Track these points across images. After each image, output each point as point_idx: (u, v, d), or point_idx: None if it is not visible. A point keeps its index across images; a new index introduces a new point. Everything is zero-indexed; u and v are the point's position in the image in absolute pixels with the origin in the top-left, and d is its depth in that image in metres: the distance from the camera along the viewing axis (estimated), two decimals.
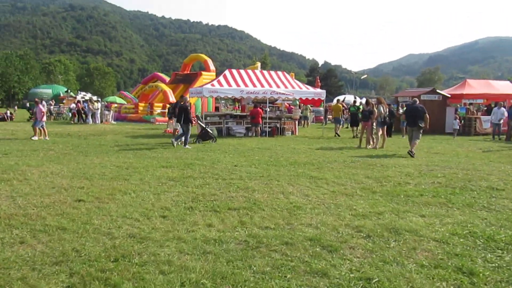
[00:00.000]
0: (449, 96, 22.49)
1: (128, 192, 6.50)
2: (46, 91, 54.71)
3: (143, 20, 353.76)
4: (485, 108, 25.55)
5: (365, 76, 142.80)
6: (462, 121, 20.63)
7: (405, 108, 19.93)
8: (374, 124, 13.65)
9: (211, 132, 15.44)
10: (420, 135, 12.00)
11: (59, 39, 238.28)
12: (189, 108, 13.63)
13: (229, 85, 18.15)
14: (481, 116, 21.48)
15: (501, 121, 18.08)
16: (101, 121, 28.41)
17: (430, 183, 7.68)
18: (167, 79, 37.30)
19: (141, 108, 33.45)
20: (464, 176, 8.39)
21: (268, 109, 29.06)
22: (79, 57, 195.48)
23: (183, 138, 13.68)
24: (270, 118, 19.46)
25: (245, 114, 20.20)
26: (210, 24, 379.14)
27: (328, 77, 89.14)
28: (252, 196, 6.42)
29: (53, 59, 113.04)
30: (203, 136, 15.11)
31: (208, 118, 18.69)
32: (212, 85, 18.01)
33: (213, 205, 5.80)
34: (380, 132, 13.62)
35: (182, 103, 13.94)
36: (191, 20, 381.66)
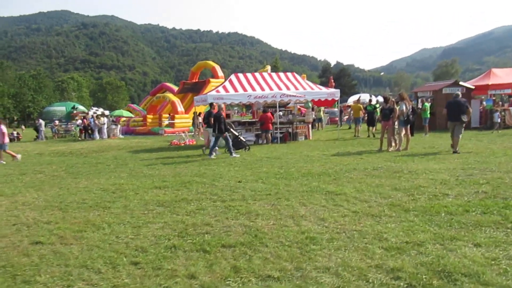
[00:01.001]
0: (473, 88, 20.85)
1: (102, 227, 5.30)
2: (60, 108, 54.32)
3: (154, 33, 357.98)
4: None
5: (382, 74, 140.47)
6: (503, 112, 18.61)
7: (428, 103, 18.65)
8: (396, 123, 12.23)
9: (244, 140, 14.51)
10: (463, 130, 11.47)
11: (73, 57, 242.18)
12: (222, 116, 12.90)
13: (236, 90, 16.94)
14: (510, 108, 19.76)
15: None
16: (108, 136, 27.57)
17: (473, 193, 6.27)
18: (176, 89, 36.37)
19: (149, 120, 32.60)
20: None
21: (281, 113, 27.78)
22: (93, 73, 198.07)
23: (215, 149, 13.11)
24: (281, 123, 18.16)
25: (254, 120, 18.96)
26: (220, 32, 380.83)
27: (341, 77, 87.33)
28: (254, 224, 5.15)
29: (66, 76, 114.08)
30: (236, 144, 14.07)
31: None
32: (217, 91, 16.83)
33: (203, 241, 4.55)
34: (403, 132, 12.18)
35: (216, 111, 13.18)
36: (201, 30, 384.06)
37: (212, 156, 12.63)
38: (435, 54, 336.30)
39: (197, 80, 35.34)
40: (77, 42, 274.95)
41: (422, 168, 8.66)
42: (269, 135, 16.97)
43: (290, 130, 18.20)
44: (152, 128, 31.11)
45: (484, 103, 20.12)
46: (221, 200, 6.57)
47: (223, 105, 14.34)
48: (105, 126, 27.48)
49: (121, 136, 28.84)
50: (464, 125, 11.45)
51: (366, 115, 19.83)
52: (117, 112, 34.55)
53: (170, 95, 32.53)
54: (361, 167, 9.20)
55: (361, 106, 21.63)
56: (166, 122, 29.83)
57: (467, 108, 11.39)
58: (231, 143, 13.05)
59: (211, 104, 14.29)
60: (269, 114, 16.63)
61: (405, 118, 11.95)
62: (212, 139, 13.39)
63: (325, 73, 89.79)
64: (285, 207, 5.96)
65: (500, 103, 22.92)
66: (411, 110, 12.24)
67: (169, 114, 31.17)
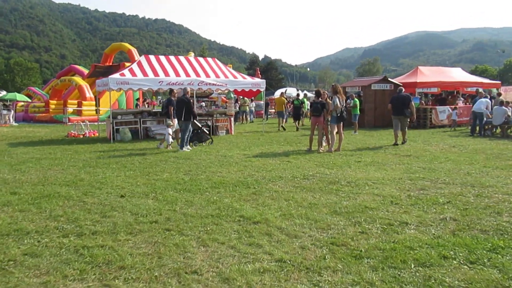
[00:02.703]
0: (401, 85, 20.14)
1: None
2: None
3: (74, 14, 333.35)
4: (433, 98, 23.76)
5: (308, 69, 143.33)
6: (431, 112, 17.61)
7: (357, 99, 17.53)
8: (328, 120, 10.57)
9: (207, 132, 12.78)
10: (408, 123, 12.16)
11: None
12: (191, 101, 11.45)
13: (145, 74, 14.29)
14: (437, 107, 19.35)
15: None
16: None
17: (439, 220, 4.58)
18: (86, 72, 32.34)
19: (53, 106, 28.47)
20: (480, 200, 5.41)
21: (203, 104, 25.31)
22: (2, 53, 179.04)
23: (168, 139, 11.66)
24: (198, 115, 15.87)
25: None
26: (147, 17, 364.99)
27: (268, 70, 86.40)
28: None
29: None
30: (200, 136, 12.32)
31: (118, 117, 14.74)
32: (122, 74, 14.04)
33: None
34: (336, 131, 10.54)
35: (182, 95, 11.44)
36: (127, 14, 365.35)
37: (185, 149, 11.01)
38: (357, 54, 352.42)
39: (111, 64, 31.63)
40: None
41: (363, 178, 6.95)
42: None
43: (209, 123, 15.98)
44: (54, 115, 27.12)
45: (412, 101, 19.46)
46: (77, 234, 4.21)
47: (189, 89, 12.36)
48: None
49: (14, 123, 24.66)
50: (408, 119, 12.02)
51: (292, 109, 19.42)
52: (9, 95, 29.58)
53: (77, 79, 28.62)
54: (289, 175, 7.28)
55: (285, 99, 20.45)
56: (70, 109, 26.03)
57: (410, 102, 12.03)
58: (186, 134, 11.25)
59: (171, 91, 12.81)
60: None
61: (339, 115, 10.31)
62: (169, 130, 11.73)
63: (253, 66, 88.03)
64: (173, 249, 3.78)
65: (423, 102, 22.71)
66: (345, 106, 10.65)
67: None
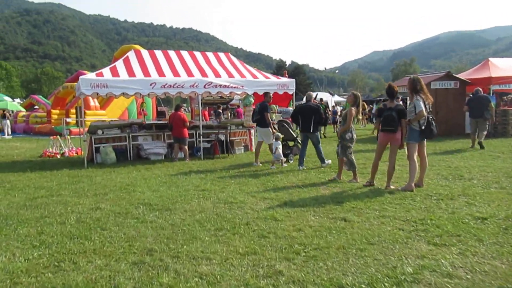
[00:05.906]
0: (469, 82, 15.66)
1: None
2: None
3: (104, 24, 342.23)
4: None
5: (337, 71, 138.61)
6: None
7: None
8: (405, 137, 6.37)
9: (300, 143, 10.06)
10: (487, 125, 11.48)
11: (14, 44, 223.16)
12: (321, 108, 9.51)
13: (132, 74, 10.51)
14: None
15: None
16: None
17: None
18: None
19: (55, 116, 25.34)
20: None
21: (222, 112, 21.73)
22: (35, 63, 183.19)
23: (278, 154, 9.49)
24: (207, 127, 12.00)
25: (164, 122, 12.57)
26: (174, 27, 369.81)
27: (296, 75, 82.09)
28: None
29: None
30: (295, 149, 10.32)
31: (99, 131, 11.02)
32: (99, 74, 10.33)
33: None
34: (415, 153, 6.33)
35: (306, 101, 9.47)
36: (155, 23, 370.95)
37: (302, 167, 8.83)
38: (385, 57, 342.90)
39: None
40: (19, 29, 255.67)
41: None
42: (186, 146, 10.73)
43: (222, 138, 12.05)
44: (55, 126, 23.93)
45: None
46: None
47: (313, 94, 10.29)
48: None
49: (7, 136, 21.66)
50: (487, 121, 11.38)
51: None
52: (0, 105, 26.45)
53: None
54: (358, 279, 3.17)
55: None
56: (70, 120, 22.76)
57: (490, 103, 11.37)
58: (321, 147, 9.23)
59: (266, 94, 10.34)
60: (180, 113, 10.40)
61: (423, 127, 6.10)
62: (278, 144, 9.57)
63: (280, 70, 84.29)
64: None
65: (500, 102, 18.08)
66: (431, 113, 6.42)
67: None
